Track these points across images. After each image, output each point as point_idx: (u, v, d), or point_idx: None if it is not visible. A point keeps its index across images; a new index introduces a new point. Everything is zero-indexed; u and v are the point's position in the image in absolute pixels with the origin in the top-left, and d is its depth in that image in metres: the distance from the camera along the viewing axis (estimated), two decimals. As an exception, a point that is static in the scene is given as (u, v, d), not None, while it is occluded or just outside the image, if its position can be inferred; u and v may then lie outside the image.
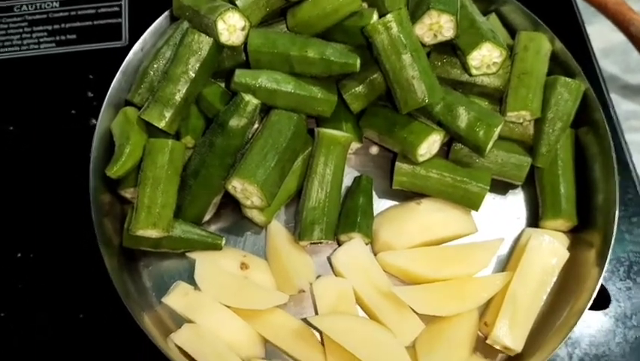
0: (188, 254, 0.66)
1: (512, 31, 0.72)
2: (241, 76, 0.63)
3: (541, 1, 0.74)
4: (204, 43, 0.63)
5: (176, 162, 0.63)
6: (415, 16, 0.63)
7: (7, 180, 0.77)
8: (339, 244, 0.66)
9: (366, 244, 0.65)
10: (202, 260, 0.64)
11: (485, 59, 0.64)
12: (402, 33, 0.60)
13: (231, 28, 0.63)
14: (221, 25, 0.62)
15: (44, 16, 0.89)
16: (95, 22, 0.88)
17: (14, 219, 0.75)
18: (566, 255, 0.64)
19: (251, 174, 0.61)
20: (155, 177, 0.61)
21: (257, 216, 0.66)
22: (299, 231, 0.64)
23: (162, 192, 0.61)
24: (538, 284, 0.63)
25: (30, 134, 0.80)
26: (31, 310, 0.70)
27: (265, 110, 0.66)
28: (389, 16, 0.60)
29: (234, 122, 0.62)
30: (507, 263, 0.67)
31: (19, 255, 0.73)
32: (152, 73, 0.66)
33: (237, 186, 0.62)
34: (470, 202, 0.66)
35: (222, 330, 0.61)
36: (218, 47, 0.64)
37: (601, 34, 0.87)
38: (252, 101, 0.62)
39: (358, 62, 0.62)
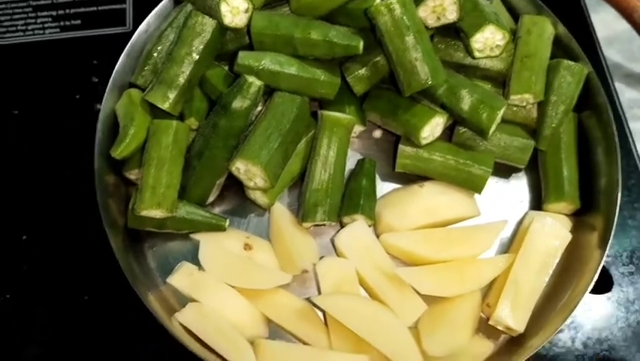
0: (192, 235, 0.66)
1: (515, 16, 0.72)
2: (244, 58, 0.64)
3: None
4: (208, 25, 0.64)
5: (181, 143, 0.63)
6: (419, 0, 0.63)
7: (12, 164, 0.78)
8: (342, 226, 0.66)
9: (369, 226, 0.66)
10: (206, 241, 0.65)
11: (488, 41, 0.64)
12: (405, 15, 0.61)
13: (234, 10, 0.63)
14: (224, 8, 0.63)
15: (49, 1, 0.89)
16: (100, 8, 0.89)
17: (19, 202, 0.75)
18: (569, 237, 0.64)
19: (254, 155, 0.61)
20: (160, 157, 0.62)
21: (260, 198, 0.66)
22: (302, 212, 0.65)
23: (166, 173, 0.62)
24: (541, 266, 0.63)
25: (35, 119, 0.81)
26: (36, 292, 0.70)
27: (268, 92, 0.66)
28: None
29: (238, 103, 0.62)
30: (510, 246, 0.67)
31: (24, 237, 0.74)
32: (155, 55, 0.67)
33: (241, 167, 0.63)
34: (473, 185, 0.66)
35: (226, 310, 0.61)
36: (221, 29, 0.65)
37: (605, 22, 0.87)
38: (255, 82, 0.62)
39: (361, 44, 0.63)
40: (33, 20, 0.88)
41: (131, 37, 0.84)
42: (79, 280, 0.71)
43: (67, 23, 0.88)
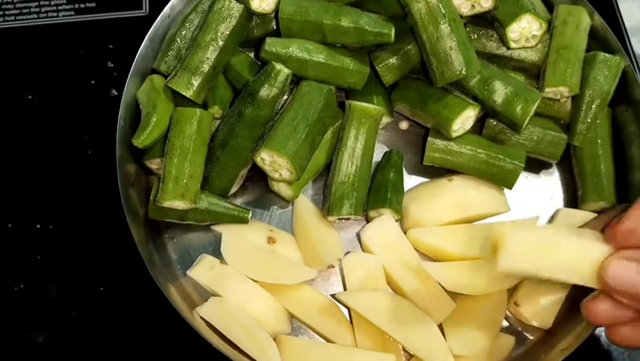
0: (213, 227, 0.65)
1: (549, 5, 0.69)
2: (272, 45, 0.61)
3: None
4: (234, 10, 0.61)
5: (204, 132, 0.61)
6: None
7: (27, 151, 0.76)
8: (368, 220, 0.65)
9: (396, 221, 0.64)
10: (228, 233, 0.63)
11: (524, 31, 0.62)
12: (440, 2, 0.58)
13: (263, -6, 0.61)
14: (252, -8, 0.60)
15: (63, -18, 0.86)
16: (115, -10, 0.86)
17: (33, 190, 0.73)
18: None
19: (281, 146, 0.59)
20: (183, 147, 0.60)
21: (284, 190, 0.64)
22: (327, 206, 0.63)
23: (190, 163, 0.60)
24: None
25: (49, 104, 0.79)
26: (51, 282, 0.69)
27: (295, 80, 0.64)
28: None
29: (265, 92, 0.60)
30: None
31: (38, 226, 0.72)
32: (179, 40, 0.64)
33: (266, 158, 0.61)
34: (504, 180, 0.64)
35: (249, 304, 0.59)
36: (248, 14, 0.62)
37: (630, 12, 0.84)
38: (283, 70, 0.60)
39: (393, 32, 0.60)
40: (47, 2, 0.85)
41: (148, 21, 0.82)
42: (95, 271, 0.69)
43: (82, 6, 0.85)
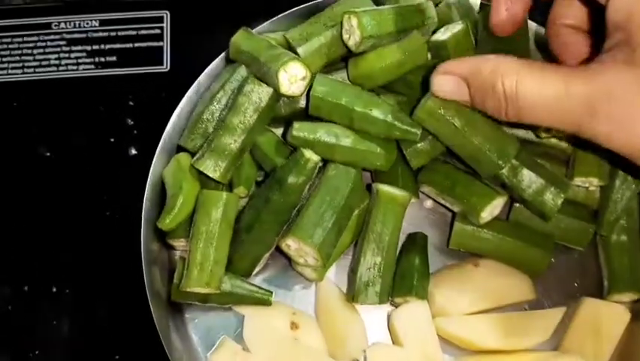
0: (235, 308, 0.64)
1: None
2: (299, 129, 0.61)
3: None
4: (264, 93, 0.61)
5: (230, 216, 0.61)
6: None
7: (42, 209, 0.75)
8: (393, 304, 0.64)
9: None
10: (251, 317, 0.62)
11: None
12: (446, 113, 0.57)
13: (292, 78, 0.60)
14: (282, 76, 0.60)
15: (83, 35, 0.86)
16: (136, 45, 0.85)
17: (48, 252, 0.73)
18: (622, 328, 0.62)
19: (308, 235, 0.59)
20: (209, 231, 0.59)
21: (309, 273, 0.64)
22: (353, 292, 0.62)
23: (215, 248, 0.59)
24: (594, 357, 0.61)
25: (67, 162, 0.78)
26: (66, 348, 0.68)
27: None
28: (430, 102, 0.56)
29: (293, 179, 0.60)
30: (562, 332, 0.64)
31: (54, 289, 0.71)
32: (206, 118, 0.63)
33: (292, 244, 0.60)
34: (532, 268, 0.64)
35: (271, 395, 0.59)
36: (277, 96, 0.62)
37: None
38: (312, 158, 0.60)
39: (419, 133, 0.60)
40: (67, 55, 0.85)
41: (169, 77, 0.82)
42: (111, 339, 0.69)
43: (103, 60, 0.84)
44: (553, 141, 0.65)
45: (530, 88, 0.44)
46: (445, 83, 0.51)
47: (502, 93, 0.46)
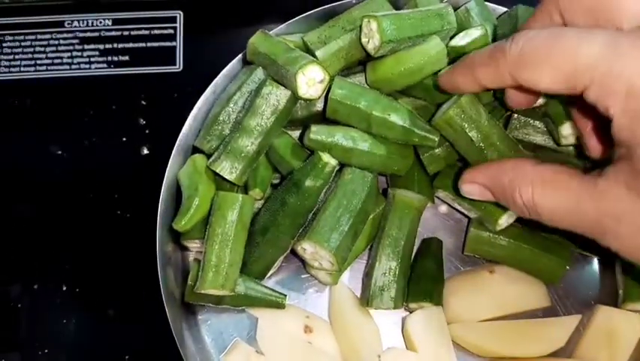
0: (248, 310, 0.64)
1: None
2: (317, 133, 0.60)
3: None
4: (282, 96, 0.60)
5: (245, 218, 0.60)
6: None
7: (53, 207, 0.75)
8: (407, 309, 0.64)
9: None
10: (264, 320, 0.62)
11: (577, 130, 0.61)
12: (465, 126, 0.58)
13: (310, 81, 0.60)
14: (301, 78, 0.59)
15: (96, 34, 0.85)
16: (149, 44, 0.85)
17: (59, 250, 0.73)
18: (637, 336, 0.62)
19: (324, 238, 0.58)
20: (224, 233, 0.59)
21: (323, 277, 0.64)
22: (367, 296, 0.62)
23: (230, 250, 0.59)
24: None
25: (79, 160, 0.77)
26: (76, 347, 0.68)
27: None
28: (451, 112, 0.57)
29: (310, 182, 0.59)
30: (576, 339, 0.64)
31: (64, 288, 0.71)
32: (222, 120, 0.63)
33: (308, 248, 0.60)
34: (548, 276, 0.64)
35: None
36: (294, 98, 0.61)
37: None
38: (330, 162, 0.59)
39: (437, 140, 0.60)
40: (79, 53, 0.84)
41: (182, 77, 0.82)
42: (121, 338, 0.69)
43: (115, 59, 0.84)
44: (571, 149, 0.64)
45: (545, 200, 0.47)
46: (472, 190, 0.54)
47: (521, 203, 0.48)
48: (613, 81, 0.41)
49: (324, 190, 0.61)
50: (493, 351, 0.61)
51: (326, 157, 0.59)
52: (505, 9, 0.67)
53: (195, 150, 0.65)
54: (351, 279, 0.66)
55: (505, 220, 0.62)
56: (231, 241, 0.59)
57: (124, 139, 0.79)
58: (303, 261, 0.64)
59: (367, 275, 0.63)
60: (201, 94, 0.65)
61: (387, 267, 0.61)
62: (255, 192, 0.63)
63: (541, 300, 0.64)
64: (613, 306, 0.64)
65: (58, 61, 0.84)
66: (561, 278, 0.64)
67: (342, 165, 0.63)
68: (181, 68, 0.83)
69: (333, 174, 0.60)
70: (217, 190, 0.61)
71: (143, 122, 0.80)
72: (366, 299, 0.62)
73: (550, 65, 0.43)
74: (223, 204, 0.60)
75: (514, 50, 0.45)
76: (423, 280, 0.63)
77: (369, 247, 0.65)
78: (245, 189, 0.63)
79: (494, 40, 0.64)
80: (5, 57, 0.83)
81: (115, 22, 0.86)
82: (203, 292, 0.59)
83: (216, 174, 0.61)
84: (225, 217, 0.59)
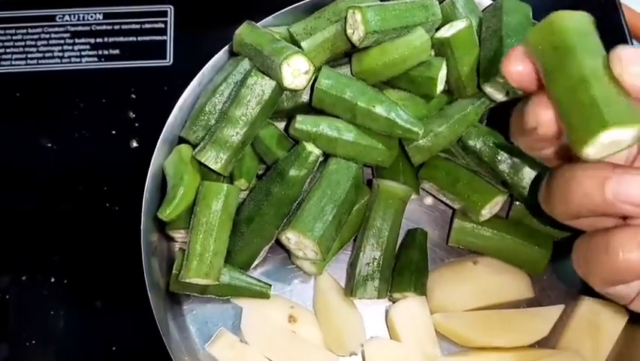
0: (233, 300, 0.64)
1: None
2: (302, 123, 0.61)
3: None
4: (267, 86, 0.61)
5: (230, 208, 0.61)
6: (487, 74, 0.60)
7: (42, 199, 0.75)
8: (391, 300, 0.64)
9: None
10: (249, 310, 0.62)
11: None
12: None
13: (295, 72, 0.60)
14: (285, 69, 0.60)
15: (87, 28, 0.86)
16: (139, 39, 0.85)
17: (47, 242, 0.73)
18: (620, 327, 0.62)
19: (308, 228, 0.59)
20: (209, 222, 0.59)
21: (307, 267, 0.64)
22: (351, 286, 0.62)
23: (215, 239, 0.59)
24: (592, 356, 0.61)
25: (69, 153, 0.78)
26: (64, 338, 0.68)
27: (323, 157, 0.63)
28: None
29: (294, 172, 0.60)
30: (558, 331, 0.64)
31: (52, 280, 0.71)
32: (208, 111, 0.63)
33: (292, 237, 0.60)
34: (531, 267, 0.64)
35: (268, 387, 0.59)
36: (279, 89, 0.62)
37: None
38: (314, 151, 0.60)
39: (422, 132, 0.60)
40: (70, 47, 0.85)
41: (172, 71, 0.82)
42: (109, 330, 0.68)
43: (106, 52, 0.84)
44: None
45: None
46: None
47: None
48: None
49: (308, 180, 0.61)
50: (476, 341, 0.61)
51: (310, 146, 0.60)
52: (490, 1, 0.68)
53: (181, 140, 0.65)
54: (336, 270, 0.66)
55: (488, 211, 0.62)
56: (216, 230, 0.59)
57: (113, 132, 0.79)
58: (288, 252, 0.65)
59: (351, 265, 0.64)
60: (191, 87, 0.66)
61: (371, 257, 0.62)
62: (240, 183, 0.63)
63: (525, 291, 0.64)
64: (596, 297, 0.64)
65: (49, 54, 0.84)
66: (545, 269, 0.64)
67: (327, 156, 0.63)
68: (171, 61, 0.84)
69: (317, 164, 0.61)
70: (202, 180, 0.61)
71: (132, 115, 0.80)
72: (350, 289, 0.62)
73: None
74: (208, 193, 0.60)
75: None
76: (407, 270, 0.63)
77: (354, 237, 0.65)
78: (230, 179, 0.64)
79: (479, 32, 0.64)
80: (-4, 50, 0.84)
81: (106, 16, 0.87)
82: (187, 280, 0.59)
83: (202, 165, 0.62)
84: (210, 206, 0.59)
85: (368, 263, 0.62)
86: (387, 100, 0.61)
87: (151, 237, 0.63)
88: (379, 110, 0.60)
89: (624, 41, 0.80)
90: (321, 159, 0.61)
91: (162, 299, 0.62)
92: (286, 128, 0.65)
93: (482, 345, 0.61)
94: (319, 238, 0.59)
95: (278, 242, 0.64)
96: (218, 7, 0.87)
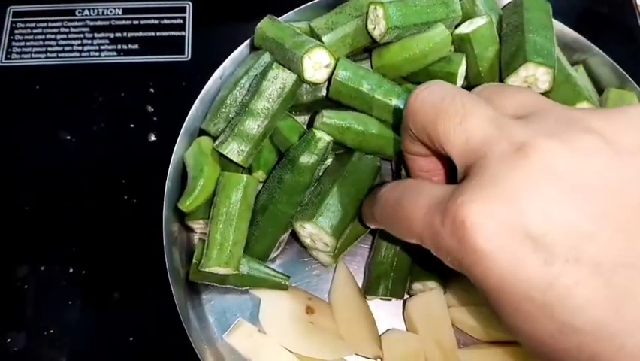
0: (251, 290, 0.64)
1: (597, 85, 0.69)
2: (330, 117, 0.61)
3: (631, 56, 0.72)
4: (288, 79, 0.61)
5: (249, 198, 0.61)
6: (509, 67, 0.61)
7: (61, 192, 0.76)
8: (410, 293, 0.64)
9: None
10: (267, 300, 0.63)
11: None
12: None
13: (317, 65, 0.61)
14: (307, 62, 0.60)
15: (106, 22, 0.87)
16: (158, 34, 0.86)
17: (66, 233, 0.73)
18: None
19: (323, 219, 0.59)
20: (229, 212, 0.60)
21: (323, 257, 0.64)
22: (365, 285, 0.63)
23: (235, 229, 0.59)
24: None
25: (88, 146, 0.79)
26: (81, 329, 0.69)
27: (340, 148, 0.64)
28: None
29: (305, 158, 0.60)
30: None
31: (70, 270, 0.72)
32: (229, 103, 0.64)
33: (307, 227, 0.61)
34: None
35: (286, 377, 0.59)
36: (300, 82, 0.62)
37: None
38: (323, 137, 0.60)
39: None
40: (89, 41, 0.86)
41: (190, 66, 0.83)
42: (126, 321, 0.69)
43: (125, 47, 0.85)
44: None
45: None
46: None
47: None
48: None
49: (319, 168, 0.61)
50: (493, 334, 0.61)
51: (319, 133, 0.60)
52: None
53: (201, 132, 0.66)
54: (355, 264, 0.67)
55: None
56: (235, 220, 0.60)
57: (132, 126, 0.80)
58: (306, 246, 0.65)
59: (368, 263, 0.64)
60: (209, 83, 0.66)
61: (385, 256, 0.62)
62: (258, 174, 0.64)
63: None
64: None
65: (69, 48, 0.85)
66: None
67: (348, 149, 0.64)
68: (189, 57, 0.84)
69: (328, 150, 0.61)
70: (222, 171, 0.62)
71: (151, 109, 0.81)
72: (365, 288, 0.63)
73: None
74: (228, 184, 0.61)
75: None
76: (426, 262, 0.63)
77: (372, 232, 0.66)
78: (249, 171, 0.64)
79: (499, 29, 0.65)
80: (17, 44, 0.85)
81: (125, 11, 0.88)
82: (207, 270, 0.59)
83: (221, 156, 0.62)
84: (230, 197, 0.60)
85: (382, 262, 0.62)
86: (404, 93, 0.61)
87: (172, 227, 0.64)
88: (395, 102, 0.61)
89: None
90: (330, 145, 0.61)
91: (182, 289, 0.63)
92: (309, 124, 0.65)
93: (499, 339, 0.61)
94: (334, 232, 0.59)
95: (294, 235, 0.64)
96: (236, 4, 0.88)
